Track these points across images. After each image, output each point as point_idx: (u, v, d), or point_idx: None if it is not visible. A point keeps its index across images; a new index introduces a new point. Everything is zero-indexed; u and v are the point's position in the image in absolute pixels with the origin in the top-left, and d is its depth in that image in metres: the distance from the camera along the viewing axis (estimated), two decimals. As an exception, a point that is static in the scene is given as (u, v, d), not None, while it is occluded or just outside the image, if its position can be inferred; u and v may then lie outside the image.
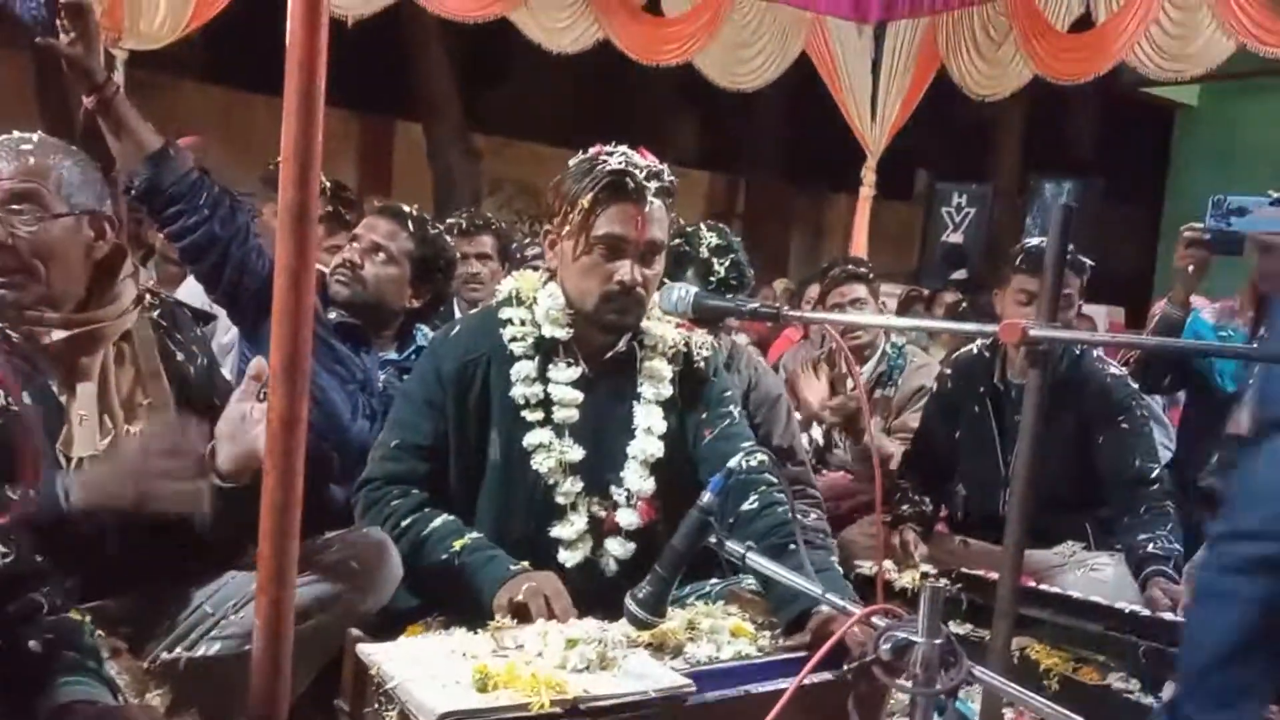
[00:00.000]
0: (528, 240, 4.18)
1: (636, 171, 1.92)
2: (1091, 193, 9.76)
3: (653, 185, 1.93)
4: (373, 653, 1.45)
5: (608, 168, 1.93)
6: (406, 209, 2.66)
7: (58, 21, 2.05)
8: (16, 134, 1.75)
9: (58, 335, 1.68)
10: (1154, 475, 2.70)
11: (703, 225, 2.72)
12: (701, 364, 2.12)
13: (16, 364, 1.61)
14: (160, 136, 2.16)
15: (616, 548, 2.01)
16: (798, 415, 3.30)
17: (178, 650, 1.72)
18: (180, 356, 1.85)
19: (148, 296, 1.86)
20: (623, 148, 1.99)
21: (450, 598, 1.89)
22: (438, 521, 1.94)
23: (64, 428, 1.67)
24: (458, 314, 3.40)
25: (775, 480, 1.97)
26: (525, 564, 1.87)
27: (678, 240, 2.58)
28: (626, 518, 2.01)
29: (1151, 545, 2.53)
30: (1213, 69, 5.87)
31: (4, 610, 1.33)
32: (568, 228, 1.95)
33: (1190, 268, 2.94)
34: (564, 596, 1.78)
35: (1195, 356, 3.09)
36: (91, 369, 1.73)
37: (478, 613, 1.77)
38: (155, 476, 1.51)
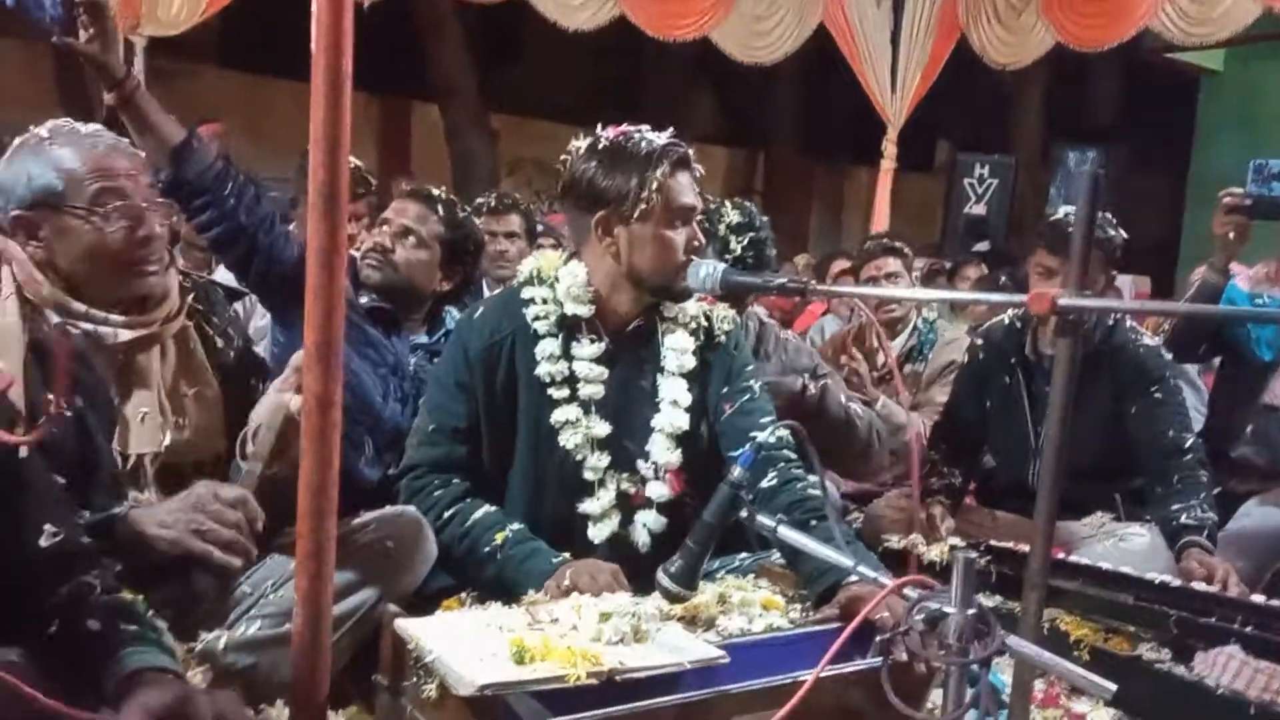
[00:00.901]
0: (542, 225, 4.21)
1: (680, 145, 1.99)
2: (1115, 161, 9.66)
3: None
4: (410, 627, 1.47)
5: (661, 143, 1.97)
6: (436, 192, 2.67)
7: (76, 19, 2.05)
8: (93, 126, 1.78)
9: (124, 336, 1.70)
10: (1188, 445, 2.67)
11: (727, 203, 2.72)
12: (723, 337, 2.13)
13: (68, 366, 1.62)
14: (183, 129, 2.14)
15: (648, 520, 2.02)
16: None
17: (218, 630, 1.75)
18: (220, 342, 1.87)
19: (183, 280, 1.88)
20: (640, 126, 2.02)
21: (494, 589, 1.91)
22: (479, 513, 1.97)
23: (117, 427, 1.69)
24: (486, 293, 3.42)
25: (794, 458, 1.99)
26: (566, 555, 1.90)
27: (700, 217, 2.58)
28: (656, 490, 2.03)
29: (1185, 516, 2.51)
30: (1238, 33, 5.79)
31: (58, 592, 1.36)
32: (641, 207, 1.95)
33: (1231, 234, 2.90)
34: (606, 570, 1.81)
35: (1231, 324, 3.05)
36: (149, 367, 1.75)
37: (506, 590, 1.80)
38: (196, 536, 1.53)
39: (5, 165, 1.71)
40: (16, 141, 1.71)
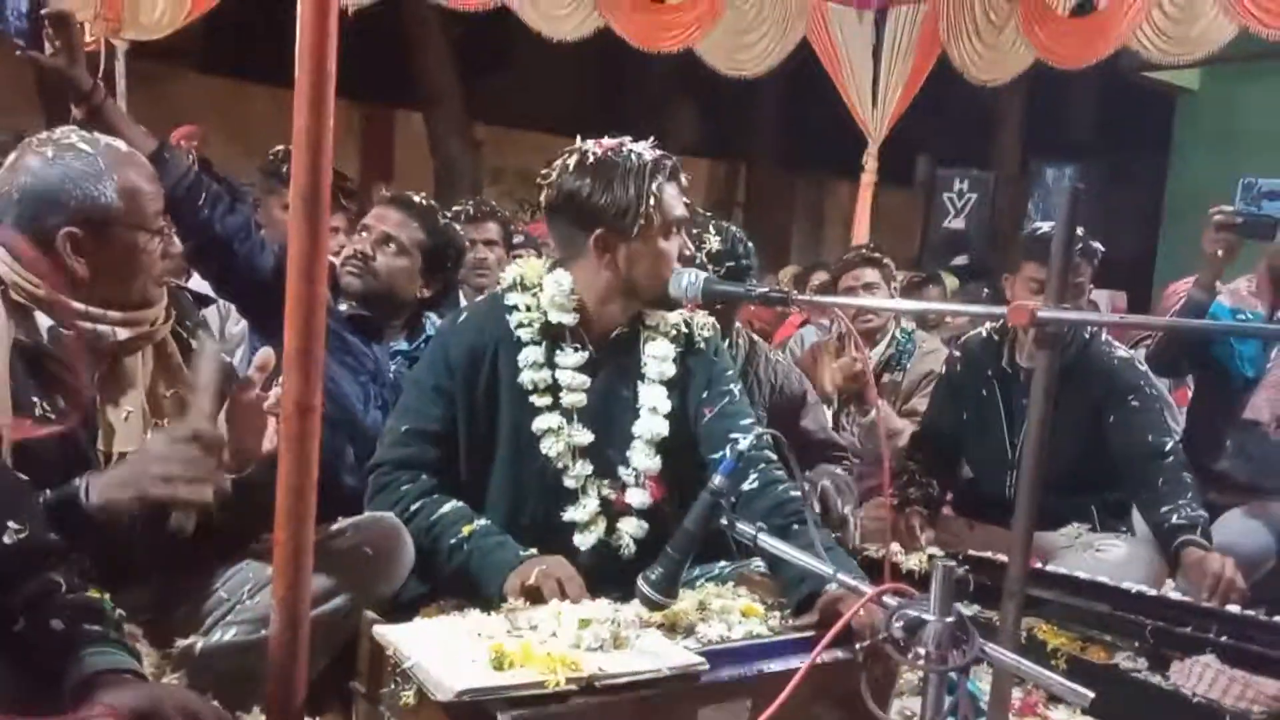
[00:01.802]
0: (519, 234, 4.21)
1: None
2: (1093, 177, 9.74)
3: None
4: (388, 633, 1.47)
5: (652, 156, 1.98)
6: (416, 199, 2.66)
7: (42, 32, 2.03)
8: (120, 142, 1.79)
9: (122, 335, 1.69)
10: (1169, 448, 2.70)
11: (711, 226, 2.69)
12: (702, 343, 2.14)
13: (54, 368, 1.61)
14: (154, 140, 2.11)
15: (631, 528, 2.03)
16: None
17: (194, 636, 1.74)
18: (194, 344, 1.86)
19: None
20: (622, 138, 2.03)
21: (458, 583, 1.91)
22: (446, 507, 1.96)
23: (100, 428, 1.68)
24: (463, 301, 3.41)
25: (774, 459, 1.99)
26: (534, 550, 1.89)
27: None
28: (637, 497, 2.03)
29: (1176, 516, 2.53)
30: (1214, 53, 5.86)
31: (23, 590, 1.35)
32: (640, 224, 1.95)
33: (1220, 251, 2.92)
34: (576, 579, 1.79)
35: (1214, 341, 3.07)
36: (135, 368, 1.74)
37: (486, 598, 1.79)
38: (158, 480, 1.50)
39: (43, 175, 1.65)
40: (50, 153, 1.67)
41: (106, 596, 1.43)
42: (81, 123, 2.03)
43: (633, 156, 1.97)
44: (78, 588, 1.40)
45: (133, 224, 1.69)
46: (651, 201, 1.95)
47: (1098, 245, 2.84)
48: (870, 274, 3.50)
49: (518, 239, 4.00)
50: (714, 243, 2.65)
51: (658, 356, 2.07)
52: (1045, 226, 2.94)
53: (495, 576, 1.83)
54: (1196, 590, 2.35)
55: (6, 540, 1.35)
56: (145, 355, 1.76)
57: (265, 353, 1.63)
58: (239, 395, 1.65)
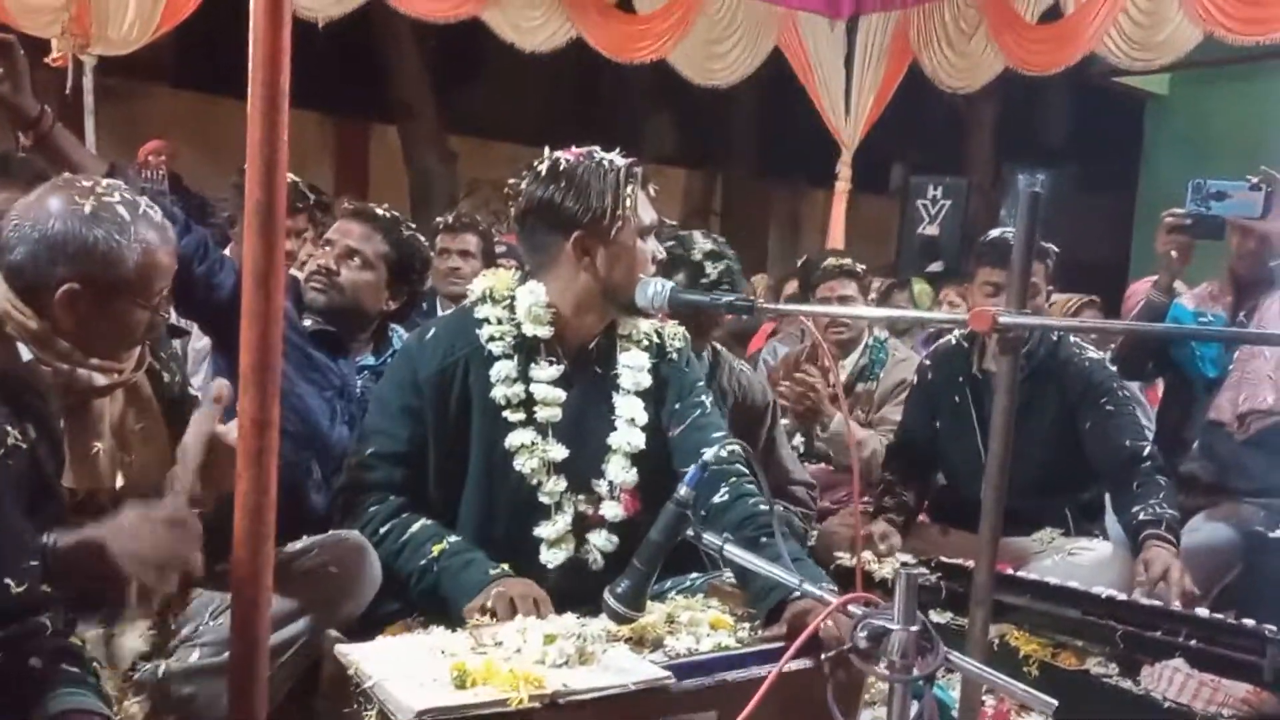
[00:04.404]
0: (502, 245, 4.20)
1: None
2: (1065, 182, 9.82)
3: None
4: (351, 652, 1.45)
5: (624, 162, 1.99)
6: (379, 210, 2.62)
7: None
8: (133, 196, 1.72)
9: (98, 381, 1.66)
10: (1146, 453, 2.72)
11: (696, 232, 2.78)
12: (674, 355, 2.13)
13: (30, 400, 1.57)
14: (104, 163, 2.05)
15: (601, 541, 2.00)
16: (785, 421, 3.32)
17: (156, 659, 1.71)
18: (165, 376, 1.83)
19: None
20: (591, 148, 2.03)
21: (430, 604, 1.89)
22: (415, 527, 1.93)
23: (65, 463, 1.65)
24: (440, 310, 3.40)
25: (745, 471, 1.98)
26: (504, 567, 1.86)
27: (670, 243, 2.60)
28: (610, 510, 2.01)
29: (1143, 514, 2.56)
30: (1181, 58, 5.92)
31: (10, 628, 1.36)
32: (619, 225, 1.96)
33: (1173, 253, 2.95)
34: (528, 600, 1.76)
35: (1175, 342, 3.10)
36: (104, 407, 1.71)
37: (458, 618, 1.77)
38: (126, 559, 1.46)
39: (68, 223, 1.58)
40: (83, 203, 1.59)
41: (86, 646, 1.45)
42: (29, 150, 1.98)
43: (604, 162, 1.98)
44: (62, 632, 1.42)
45: (137, 299, 1.65)
46: (628, 202, 1.95)
47: (1051, 246, 2.86)
48: (847, 287, 3.50)
49: (500, 248, 3.99)
50: (705, 243, 2.69)
51: (633, 367, 2.06)
52: (995, 232, 2.96)
53: (462, 599, 1.81)
54: (1148, 583, 2.39)
55: (10, 590, 1.35)
56: (115, 391, 1.74)
57: (220, 384, 1.60)
58: (197, 428, 1.63)
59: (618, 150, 2.03)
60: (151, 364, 1.80)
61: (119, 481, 1.69)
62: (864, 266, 3.65)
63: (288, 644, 1.75)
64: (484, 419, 1.99)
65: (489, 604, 1.74)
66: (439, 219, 3.73)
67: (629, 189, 1.96)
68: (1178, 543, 2.52)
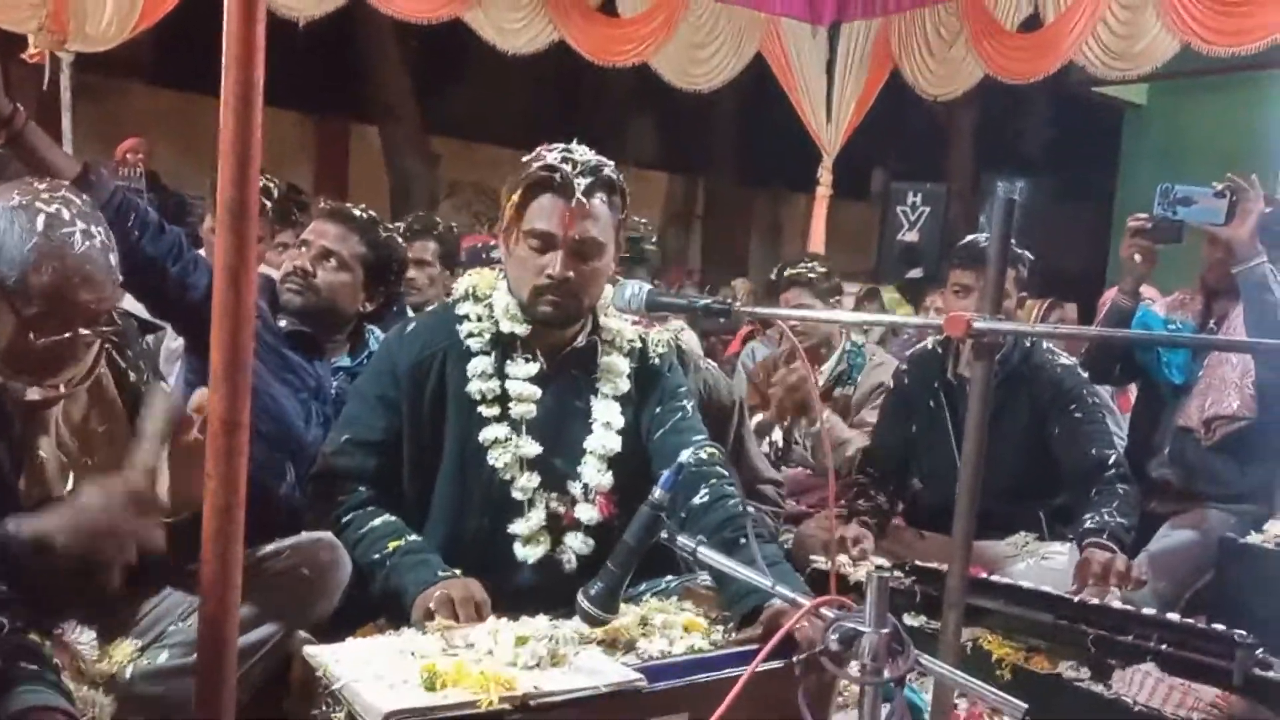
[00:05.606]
0: (494, 245, 4.18)
1: (567, 167, 1.93)
2: (1044, 190, 9.88)
3: (584, 181, 1.93)
4: (319, 654, 1.44)
5: (539, 163, 1.95)
6: (356, 211, 2.61)
7: None
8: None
9: (32, 395, 1.63)
10: (1110, 461, 2.72)
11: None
12: (656, 360, 2.13)
13: None
14: (77, 163, 2.00)
15: (576, 543, 2.00)
16: (760, 417, 3.32)
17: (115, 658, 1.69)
18: (132, 376, 1.81)
19: None
20: (568, 145, 2.00)
21: (380, 599, 1.88)
22: (377, 521, 1.93)
23: (23, 467, 1.63)
24: (409, 314, 3.37)
25: (726, 473, 1.98)
26: (456, 570, 1.85)
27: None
28: (585, 513, 2.01)
29: (1089, 522, 2.56)
30: (1159, 68, 5.97)
31: None
32: (504, 223, 1.98)
33: (1137, 257, 2.97)
34: (470, 604, 1.73)
35: (1141, 348, 3.13)
36: (52, 414, 1.68)
37: (405, 617, 1.77)
38: (84, 534, 1.47)
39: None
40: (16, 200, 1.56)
41: (48, 644, 1.44)
42: (1, 148, 1.92)
43: (533, 163, 1.95)
44: (20, 630, 1.40)
45: (57, 320, 1.58)
46: (512, 204, 1.95)
47: (1025, 252, 2.88)
48: (803, 295, 3.46)
49: (498, 253, 3.94)
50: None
51: (613, 371, 2.07)
52: (970, 236, 2.98)
53: (409, 596, 1.80)
54: (1095, 589, 2.38)
55: None
56: (78, 391, 1.71)
57: (201, 393, 1.58)
58: (178, 437, 1.61)
59: (583, 150, 2.00)
60: (117, 362, 1.77)
61: (68, 486, 1.67)
62: (825, 270, 3.57)
63: (258, 645, 1.73)
64: (459, 413, 2.00)
65: (432, 605, 1.72)
66: (401, 223, 3.60)
67: (516, 193, 1.94)
68: (1122, 549, 2.52)
